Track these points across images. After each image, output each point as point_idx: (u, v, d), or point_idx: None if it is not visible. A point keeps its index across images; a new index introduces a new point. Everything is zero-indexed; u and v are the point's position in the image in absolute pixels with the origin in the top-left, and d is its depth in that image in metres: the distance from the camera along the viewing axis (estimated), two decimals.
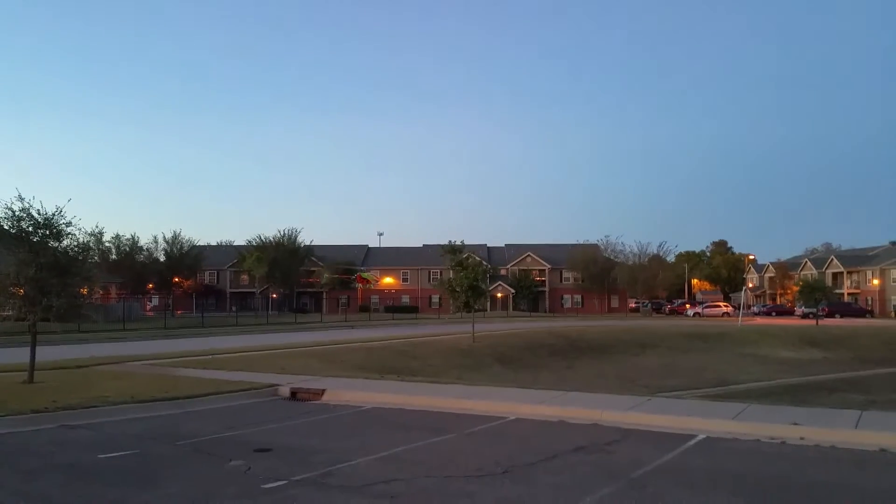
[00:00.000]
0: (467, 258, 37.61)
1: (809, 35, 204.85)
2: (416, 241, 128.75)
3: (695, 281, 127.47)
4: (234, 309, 78.37)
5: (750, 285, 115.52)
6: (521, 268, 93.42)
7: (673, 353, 41.98)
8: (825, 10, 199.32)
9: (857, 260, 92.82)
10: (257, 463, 8.99)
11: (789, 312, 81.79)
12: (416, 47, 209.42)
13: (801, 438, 10.26)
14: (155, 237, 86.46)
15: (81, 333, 37.13)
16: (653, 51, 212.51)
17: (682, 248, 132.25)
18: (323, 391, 15.64)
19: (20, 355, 19.77)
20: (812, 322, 58.28)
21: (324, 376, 18.56)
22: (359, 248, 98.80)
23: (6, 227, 16.56)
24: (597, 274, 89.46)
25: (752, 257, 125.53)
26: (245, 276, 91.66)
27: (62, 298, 16.34)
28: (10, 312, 18.15)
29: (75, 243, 17.33)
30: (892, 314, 80.00)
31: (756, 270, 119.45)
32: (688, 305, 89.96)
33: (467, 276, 35.11)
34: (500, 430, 11.79)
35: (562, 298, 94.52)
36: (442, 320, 64.84)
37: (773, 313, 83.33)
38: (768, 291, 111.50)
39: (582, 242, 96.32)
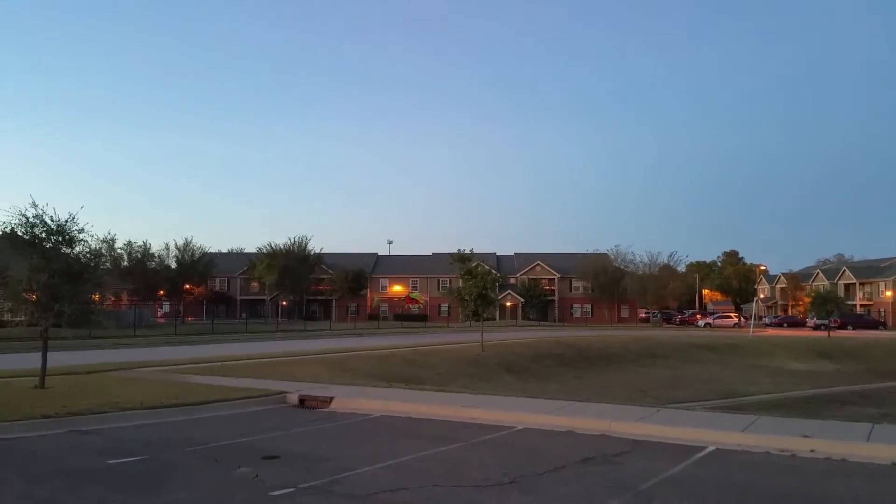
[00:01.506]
0: (476, 267, 37.66)
1: (820, 42, 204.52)
2: (425, 250, 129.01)
3: (706, 291, 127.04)
4: (244, 316, 78.66)
5: (761, 296, 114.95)
6: (531, 277, 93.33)
7: (683, 363, 41.79)
8: (839, 14, 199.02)
9: (869, 271, 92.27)
10: (265, 470, 9.00)
11: (801, 324, 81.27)
12: (425, 53, 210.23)
13: (812, 451, 10.18)
14: (166, 244, 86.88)
15: (92, 339, 37.32)
16: (660, 58, 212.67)
17: (693, 259, 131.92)
18: (331, 399, 15.65)
19: (32, 360, 19.86)
20: (824, 334, 57.92)
21: (332, 384, 18.58)
22: (368, 256, 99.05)
23: (20, 234, 16.67)
24: (606, 283, 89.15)
25: (763, 268, 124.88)
26: (255, 284, 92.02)
27: (74, 304, 16.45)
28: (23, 318, 18.28)
29: (87, 250, 17.46)
30: None
31: (767, 281, 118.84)
32: (699, 316, 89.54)
33: (476, 285, 35.11)
34: (507, 439, 11.76)
35: (571, 308, 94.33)
36: (451, 329, 64.78)
37: (785, 324, 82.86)
38: (780, 302, 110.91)
39: (592, 252, 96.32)
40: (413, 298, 55.26)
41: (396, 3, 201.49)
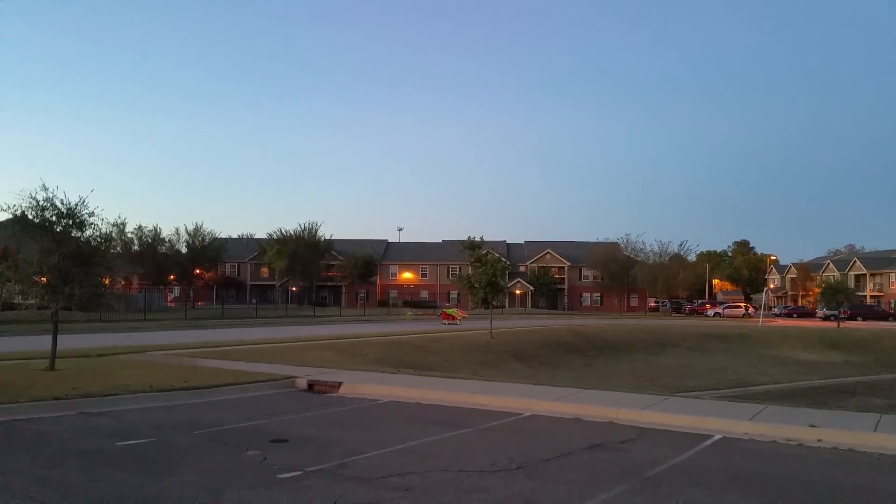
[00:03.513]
0: (486, 254, 37.64)
1: (832, 31, 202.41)
2: (435, 237, 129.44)
3: (716, 281, 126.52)
4: (254, 301, 78.91)
5: (771, 286, 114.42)
6: (541, 265, 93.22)
7: (692, 353, 41.75)
8: (852, 4, 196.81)
9: (880, 262, 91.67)
10: (273, 453, 9.05)
11: (811, 314, 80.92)
12: (433, 42, 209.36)
13: (819, 441, 10.16)
14: (177, 229, 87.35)
15: (103, 323, 37.58)
16: (673, 47, 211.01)
17: (704, 248, 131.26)
18: (340, 384, 15.71)
19: (42, 343, 20.03)
20: (833, 324, 57.68)
21: (341, 369, 18.63)
22: (378, 243, 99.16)
23: (30, 217, 16.75)
24: (616, 272, 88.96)
25: (773, 258, 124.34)
26: (265, 269, 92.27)
27: (84, 288, 16.52)
28: (33, 301, 18.40)
29: (98, 233, 17.53)
30: None
31: (778, 271, 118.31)
32: (708, 305, 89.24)
33: (486, 273, 35.10)
34: (515, 426, 11.78)
35: (581, 296, 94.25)
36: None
37: (795, 315, 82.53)
38: (790, 293, 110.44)
39: (602, 240, 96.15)
40: (450, 314, 53.79)
41: None
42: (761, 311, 66.06)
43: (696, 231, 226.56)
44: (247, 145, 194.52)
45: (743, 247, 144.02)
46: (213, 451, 9.38)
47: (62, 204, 16.52)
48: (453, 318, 53.30)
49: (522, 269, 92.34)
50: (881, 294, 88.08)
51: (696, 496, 7.42)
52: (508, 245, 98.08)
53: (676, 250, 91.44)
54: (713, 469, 8.68)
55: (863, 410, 14.03)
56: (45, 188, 16.41)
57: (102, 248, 17.81)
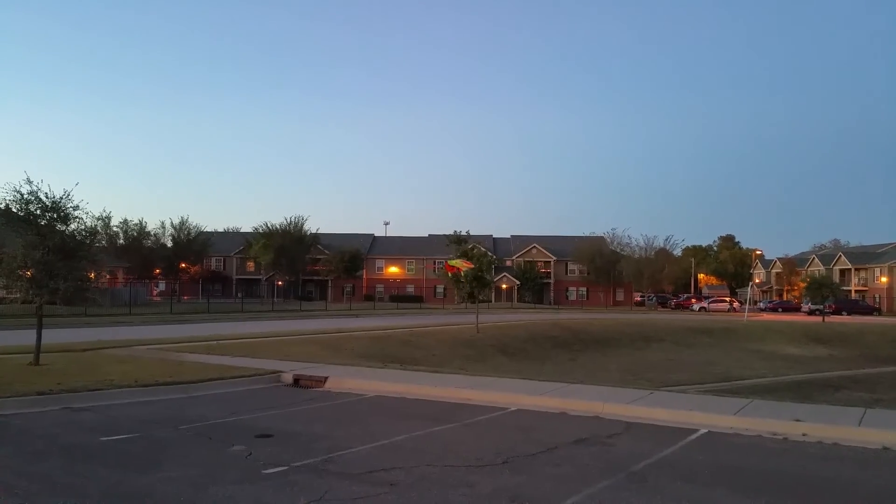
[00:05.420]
0: (472, 249, 37.69)
1: (814, 24, 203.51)
2: (421, 231, 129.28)
3: (701, 275, 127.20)
4: (239, 295, 78.56)
5: (757, 281, 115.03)
6: (527, 259, 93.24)
7: (677, 347, 41.94)
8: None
9: (865, 257, 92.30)
10: (259, 448, 9.02)
11: (796, 309, 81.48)
12: (420, 37, 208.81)
13: (804, 435, 10.22)
14: (162, 223, 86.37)
15: (88, 317, 37.35)
16: (657, 44, 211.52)
17: (689, 243, 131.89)
18: (325, 378, 15.67)
19: (26, 337, 19.86)
20: (819, 319, 58.09)
21: (327, 364, 18.60)
22: (365, 237, 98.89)
23: (14, 210, 16.60)
24: (602, 267, 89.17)
25: (759, 252, 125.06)
26: (251, 263, 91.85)
27: (69, 282, 16.41)
28: (17, 295, 18.25)
29: (83, 227, 17.46)
30: None
31: (763, 266, 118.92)
32: (694, 300, 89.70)
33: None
34: (501, 420, 11.79)
35: (567, 291, 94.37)
36: (446, 310, 64.70)
37: (780, 309, 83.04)
38: (775, 287, 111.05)
39: (588, 235, 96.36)
40: (454, 266, 52.96)
41: None
42: (746, 306, 66.51)
43: (682, 225, 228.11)
44: (233, 139, 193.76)
45: (728, 241, 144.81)
46: (197, 447, 9.33)
47: (47, 197, 16.42)
48: (458, 269, 52.79)
49: (508, 263, 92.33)
50: (866, 288, 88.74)
51: (682, 490, 7.44)
52: (494, 239, 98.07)
53: (662, 245, 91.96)
54: (699, 463, 8.72)
55: (847, 405, 14.11)
56: (29, 181, 16.32)
57: (87, 241, 17.69)
